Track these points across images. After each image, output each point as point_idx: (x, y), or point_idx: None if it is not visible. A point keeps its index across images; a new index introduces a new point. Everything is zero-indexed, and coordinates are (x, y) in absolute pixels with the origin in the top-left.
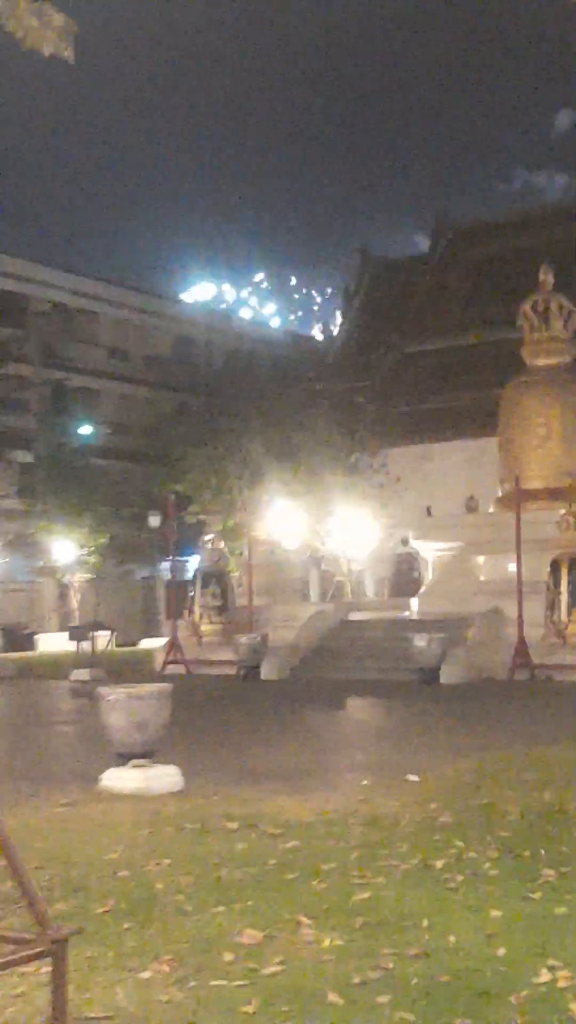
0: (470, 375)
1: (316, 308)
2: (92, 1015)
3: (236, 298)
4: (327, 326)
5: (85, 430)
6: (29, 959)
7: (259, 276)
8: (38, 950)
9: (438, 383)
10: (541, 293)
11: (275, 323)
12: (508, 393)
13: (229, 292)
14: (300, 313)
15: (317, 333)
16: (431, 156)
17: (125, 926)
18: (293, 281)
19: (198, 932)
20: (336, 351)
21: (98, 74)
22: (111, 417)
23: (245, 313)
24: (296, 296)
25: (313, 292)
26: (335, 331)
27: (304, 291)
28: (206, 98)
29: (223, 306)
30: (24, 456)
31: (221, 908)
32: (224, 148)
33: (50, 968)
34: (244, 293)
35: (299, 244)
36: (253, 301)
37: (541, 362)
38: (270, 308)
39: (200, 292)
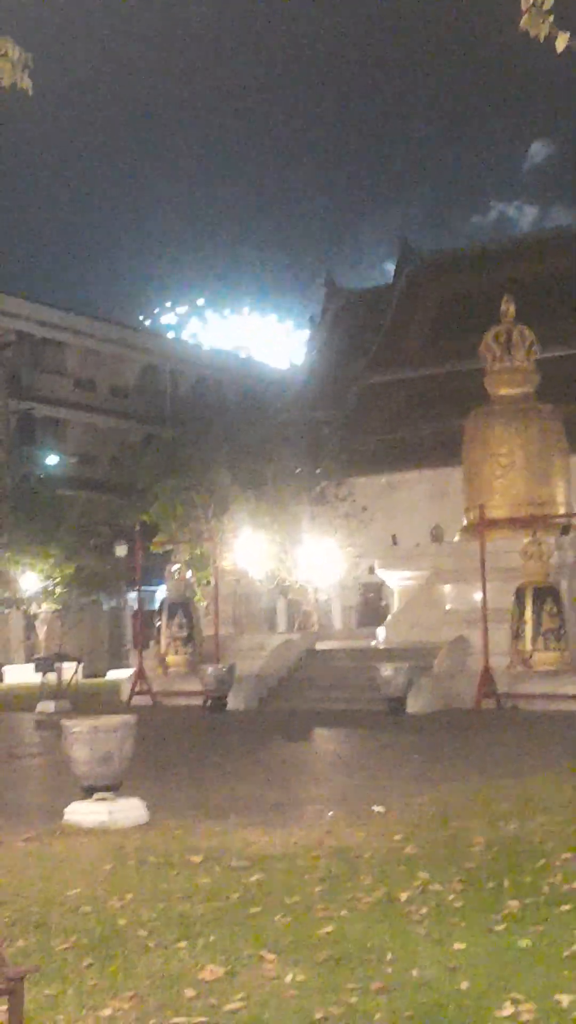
0: (434, 406)
1: (285, 338)
2: None
3: (199, 326)
4: (292, 357)
5: (52, 460)
6: None
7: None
8: None
9: (403, 414)
10: (503, 324)
11: (244, 355)
12: (471, 423)
13: (195, 322)
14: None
15: (285, 363)
16: (406, 185)
17: (86, 963)
18: (246, 311)
19: (160, 968)
20: (303, 381)
21: (57, 100)
22: (78, 447)
23: (213, 339)
24: (262, 326)
25: (280, 321)
26: (301, 361)
27: (273, 321)
28: (171, 123)
29: (192, 335)
30: None
31: (183, 943)
32: (190, 172)
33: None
34: (214, 321)
35: (268, 274)
36: (221, 330)
37: (503, 392)
38: (240, 338)
39: (168, 320)
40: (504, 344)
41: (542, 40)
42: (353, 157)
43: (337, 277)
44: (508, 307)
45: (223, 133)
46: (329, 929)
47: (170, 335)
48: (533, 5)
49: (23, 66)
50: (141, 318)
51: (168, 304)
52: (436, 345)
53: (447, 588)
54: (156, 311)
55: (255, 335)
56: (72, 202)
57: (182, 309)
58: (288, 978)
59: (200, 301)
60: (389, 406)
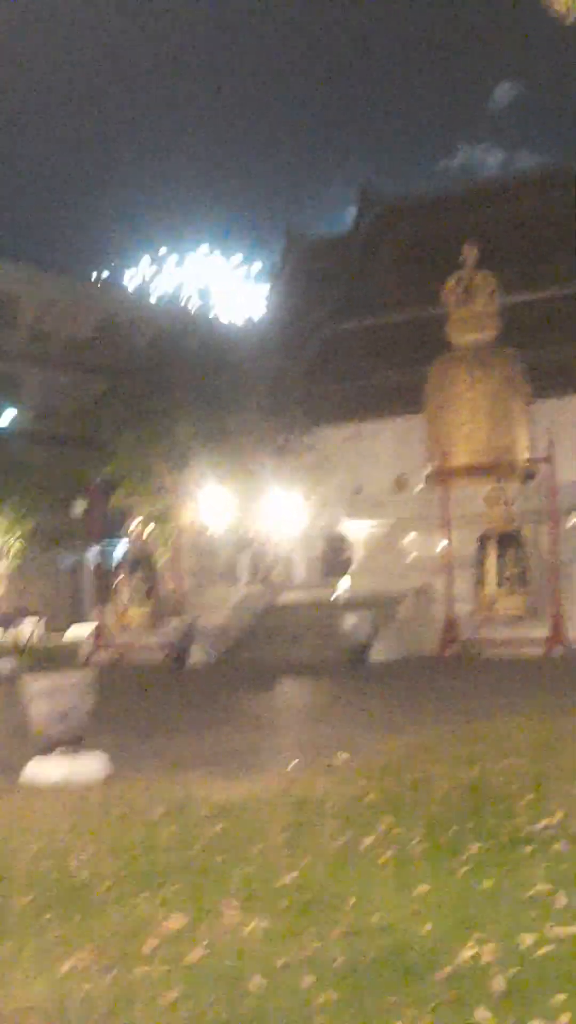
0: (398, 354)
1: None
2: (9, 1009)
3: (161, 275)
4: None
5: (8, 415)
6: None
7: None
8: None
9: (367, 362)
10: (465, 270)
11: (204, 305)
12: (434, 371)
13: (160, 275)
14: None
15: (247, 313)
16: (369, 129)
17: (46, 918)
18: (205, 254)
19: (121, 921)
20: (264, 331)
21: (19, 44)
22: (35, 402)
23: (173, 289)
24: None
25: (242, 267)
26: (263, 311)
27: (234, 267)
28: (135, 71)
29: (157, 288)
30: None
31: (146, 895)
32: (153, 123)
33: None
34: (174, 272)
35: (230, 223)
36: (182, 279)
37: (466, 339)
38: (201, 286)
39: (133, 274)
40: (466, 290)
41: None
42: (315, 102)
43: (300, 225)
44: (470, 253)
45: (185, 81)
46: (292, 876)
47: (130, 286)
48: None
49: None
50: (103, 273)
51: (129, 256)
52: (399, 292)
53: (411, 536)
54: (115, 264)
55: (216, 283)
56: (31, 155)
57: (144, 261)
58: (251, 926)
59: (162, 251)
60: (352, 354)
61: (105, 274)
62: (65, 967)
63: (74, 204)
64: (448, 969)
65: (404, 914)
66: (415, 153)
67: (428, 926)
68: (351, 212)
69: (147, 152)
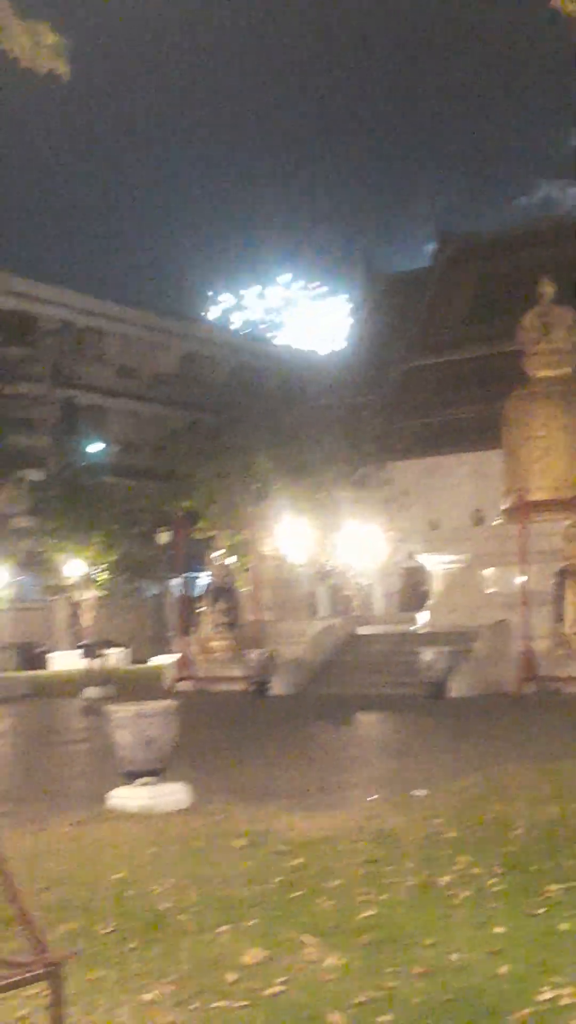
0: (474, 388)
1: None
2: None
3: (246, 314)
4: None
5: (95, 448)
6: (25, 982)
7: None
8: (34, 973)
9: (443, 397)
10: (542, 305)
11: (285, 340)
12: (511, 405)
13: (241, 308)
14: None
15: (325, 348)
16: (449, 167)
17: (129, 947)
18: (285, 291)
19: (201, 952)
20: (342, 366)
21: (97, 90)
22: (120, 435)
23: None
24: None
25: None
26: (341, 346)
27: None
28: (211, 111)
29: (237, 321)
30: (35, 475)
31: (225, 927)
32: (233, 160)
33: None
34: (258, 310)
35: (310, 254)
36: (261, 315)
37: (543, 374)
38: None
39: (214, 308)
40: (543, 325)
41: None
42: (392, 140)
43: (378, 261)
44: (547, 288)
45: (268, 114)
46: (370, 913)
47: (215, 321)
48: None
49: (59, 52)
50: (185, 308)
51: (210, 290)
52: (475, 327)
53: (488, 571)
54: (197, 298)
55: (296, 315)
56: (120, 196)
57: (225, 295)
58: (329, 962)
59: (243, 293)
60: (429, 389)
61: (199, 311)
62: (148, 997)
63: (156, 239)
64: (526, 1011)
65: (482, 954)
66: (496, 190)
67: (506, 967)
68: (426, 250)
69: (227, 185)
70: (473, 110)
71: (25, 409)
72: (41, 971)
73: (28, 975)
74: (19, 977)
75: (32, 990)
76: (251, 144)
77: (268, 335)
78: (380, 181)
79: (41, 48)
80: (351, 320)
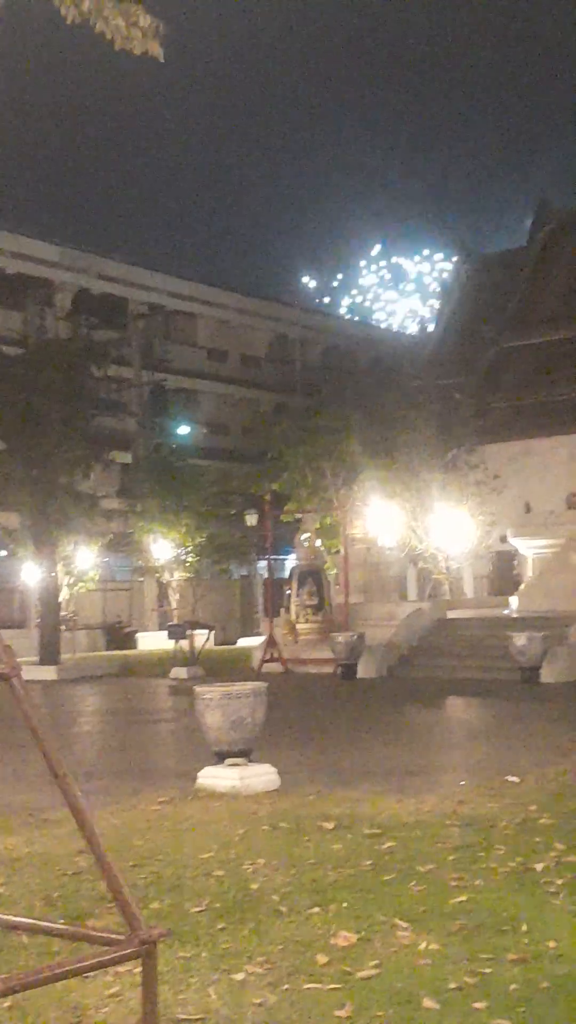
0: (570, 369)
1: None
2: (184, 1016)
3: (337, 295)
4: (425, 322)
5: (183, 430)
6: (118, 960)
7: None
8: (127, 951)
9: (538, 378)
10: None
11: (376, 321)
12: None
13: (332, 291)
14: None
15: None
16: (548, 143)
17: (219, 926)
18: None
19: (292, 933)
20: (434, 346)
21: (194, 73)
22: (209, 417)
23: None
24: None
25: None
26: (433, 326)
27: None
28: (304, 92)
29: (329, 303)
30: (124, 457)
31: (316, 909)
32: (326, 142)
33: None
34: (353, 291)
35: (406, 231)
36: (357, 297)
37: None
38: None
39: (306, 291)
40: None
41: None
42: (491, 115)
43: (478, 238)
44: None
45: (364, 92)
46: (463, 898)
47: (304, 303)
48: None
49: (154, 34)
50: (275, 290)
51: (302, 270)
52: (573, 307)
53: None
54: (296, 280)
55: (390, 295)
56: (206, 176)
57: (317, 274)
58: (422, 946)
59: (338, 276)
60: (523, 370)
61: (279, 290)
62: (239, 977)
63: (248, 220)
64: None
65: None
66: None
67: None
68: (525, 227)
69: (320, 161)
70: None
71: (115, 392)
72: (135, 949)
73: (122, 953)
74: (112, 955)
75: (123, 968)
76: (343, 124)
77: (360, 316)
78: (479, 156)
79: (135, 30)
80: (443, 299)
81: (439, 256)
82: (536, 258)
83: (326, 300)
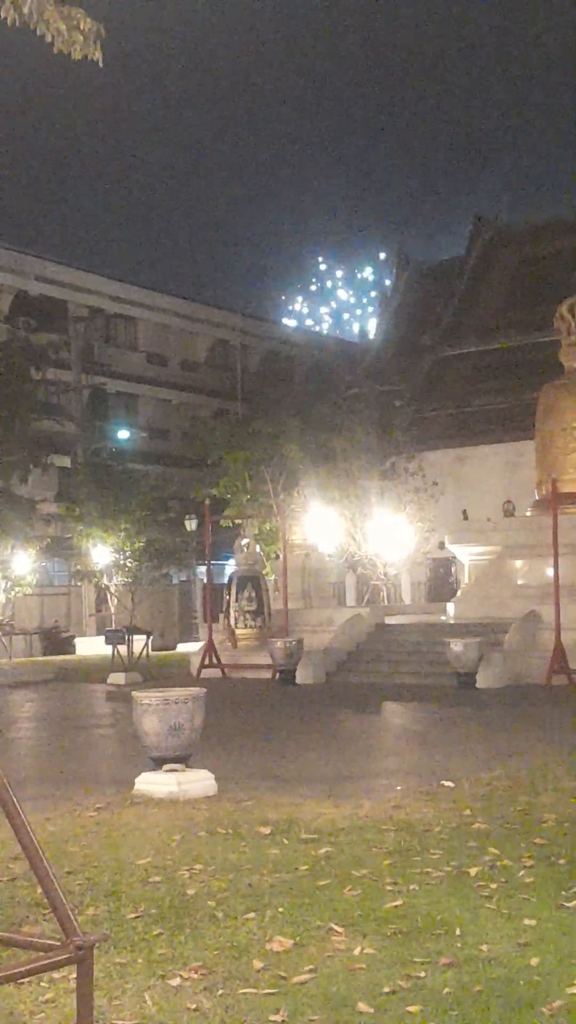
0: (507, 379)
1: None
2: (120, 1021)
3: (282, 304)
4: (364, 329)
5: (123, 434)
6: (53, 966)
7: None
8: (63, 957)
9: (474, 387)
10: None
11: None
12: (545, 396)
13: (275, 299)
14: (346, 316)
15: (356, 336)
16: (492, 159)
17: (155, 932)
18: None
19: (228, 939)
20: (373, 355)
21: (126, 76)
22: (149, 421)
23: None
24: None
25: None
26: (372, 334)
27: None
28: (247, 96)
29: (272, 312)
30: (62, 461)
31: (252, 915)
32: (266, 141)
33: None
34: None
35: (342, 247)
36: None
37: None
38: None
39: (249, 299)
40: None
41: None
42: (435, 130)
43: (414, 251)
44: None
45: (315, 107)
46: (398, 903)
47: (243, 309)
48: None
49: (95, 37)
50: (216, 294)
51: (242, 277)
52: (509, 316)
53: (518, 563)
54: (228, 285)
55: (329, 302)
56: (150, 180)
57: (257, 282)
58: (357, 951)
59: (281, 286)
60: (460, 379)
61: (221, 297)
62: (174, 983)
63: (190, 226)
64: (558, 1003)
65: (511, 945)
66: (547, 182)
67: (536, 959)
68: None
69: (262, 170)
70: (519, 102)
71: (54, 395)
72: (70, 955)
73: (57, 959)
74: (47, 961)
75: (58, 974)
76: (285, 135)
77: (302, 324)
78: (418, 172)
79: (75, 33)
80: (382, 308)
81: (383, 264)
82: (472, 269)
83: (271, 309)
